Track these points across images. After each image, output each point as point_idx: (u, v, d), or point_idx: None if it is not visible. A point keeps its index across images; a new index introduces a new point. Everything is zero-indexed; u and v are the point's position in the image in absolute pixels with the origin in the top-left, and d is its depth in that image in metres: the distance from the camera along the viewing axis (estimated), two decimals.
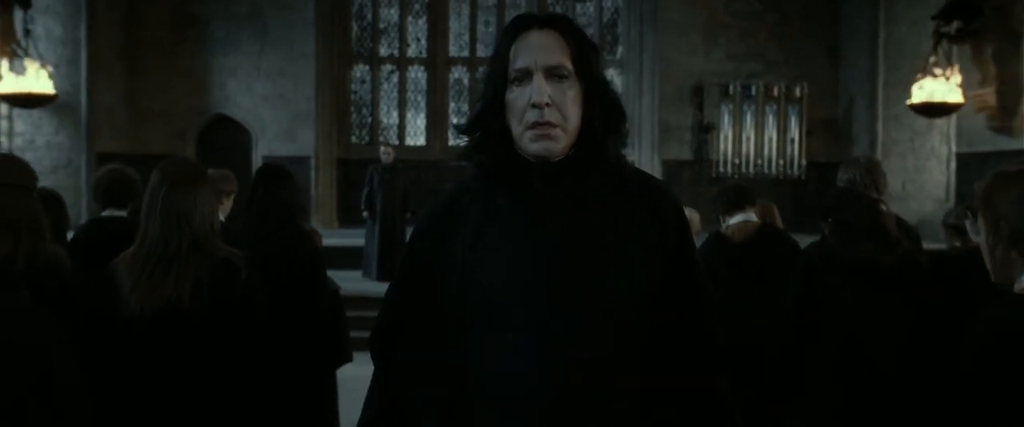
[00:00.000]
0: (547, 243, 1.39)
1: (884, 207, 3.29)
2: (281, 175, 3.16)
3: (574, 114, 1.41)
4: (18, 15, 8.13)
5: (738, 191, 3.34)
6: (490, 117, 1.44)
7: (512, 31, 1.44)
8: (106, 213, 3.54)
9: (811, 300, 2.43)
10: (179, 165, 2.28)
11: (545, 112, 1.37)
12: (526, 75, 1.40)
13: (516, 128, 1.41)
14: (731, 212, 3.27)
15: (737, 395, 1.50)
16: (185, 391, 2.16)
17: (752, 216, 3.24)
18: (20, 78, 7.73)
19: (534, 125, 1.38)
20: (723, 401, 1.46)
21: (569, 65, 1.40)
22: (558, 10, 11.66)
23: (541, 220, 1.40)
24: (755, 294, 2.89)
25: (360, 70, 12.20)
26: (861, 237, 2.39)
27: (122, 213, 3.57)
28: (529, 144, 1.40)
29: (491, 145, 1.44)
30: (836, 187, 2.94)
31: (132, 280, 2.14)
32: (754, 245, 3.13)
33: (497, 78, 1.43)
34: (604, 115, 1.44)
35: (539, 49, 1.40)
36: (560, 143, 1.40)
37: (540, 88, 1.37)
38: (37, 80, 7.77)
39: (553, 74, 1.39)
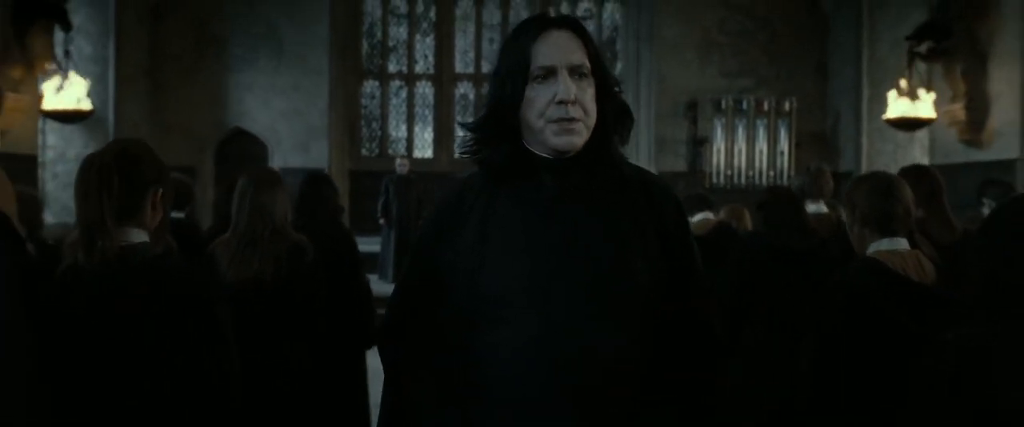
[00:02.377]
0: (551, 240, 1.43)
1: (826, 209, 4.03)
2: (324, 180, 3.90)
3: (593, 111, 1.46)
4: (58, 37, 8.89)
5: (698, 197, 4.14)
6: (506, 113, 1.47)
7: (532, 31, 1.47)
8: None
9: (745, 277, 3.14)
10: (261, 172, 3.02)
11: (571, 109, 1.42)
12: (550, 73, 1.43)
13: (537, 123, 1.45)
14: (692, 212, 4.04)
15: None
16: (266, 344, 2.88)
17: (710, 215, 4.00)
18: (61, 95, 8.49)
19: (559, 119, 1.42)
20: (715, 391, 1.51)
21: (588, 64, 1.46)
22: None
23: (544, 217, 1.45)
24: (712, 277, 3.61)
25: (370, 86, 12.93)
26: (783, 228, 3.11)
27: (180, 215, 4.31)
28: (552, 138, 1.44)
29: (501, 140, 1.49)
30: (767, 188, 3.68)
31: (227, 258, 2.86)
32: (711, 239, 3.86)
33: (515, 76, 1.46)
34: (615, 113, 1.50)
35: (562, 48, 1.44)
36: (582, 137, 1.45)
37: (567, 85, 1.41)
38: (77, 98, 8.52)
39: (575, 72, 1.44)
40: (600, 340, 1.39)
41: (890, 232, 2.18)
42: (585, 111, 1.44)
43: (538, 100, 1.44)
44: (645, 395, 1.42)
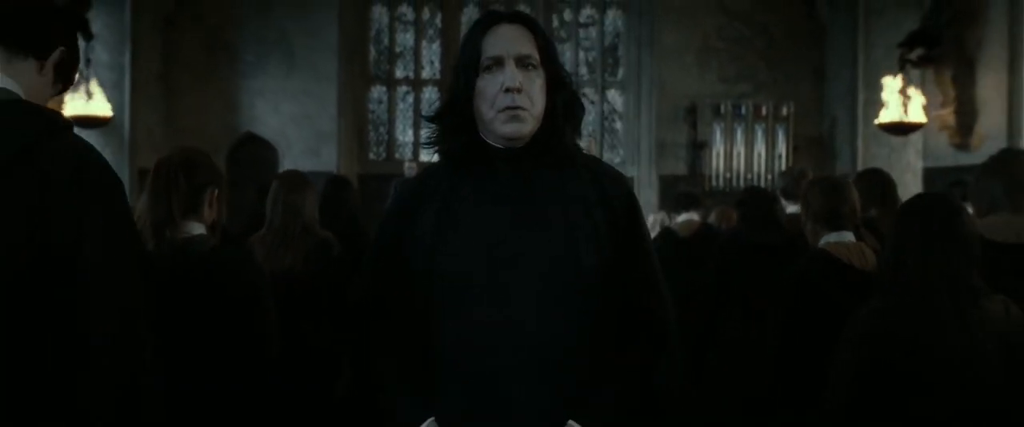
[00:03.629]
0: (505, 225, 1.52)
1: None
2: (345, 184, 4.30)
3: (540, 101, 1.54)
4: (81, 46, 9.31)
5: (688, 196, 4.51)
6: (460, 105, 1.56)
7: (483, 25, 1.56)
8: None
9: (724, 270, 3.52)
10: (292, 176, 3.42)
11: (516, 97, 1.49)
12: (498, 63, 1.51)
13: (488, 112, 1.53)
14: (680, 211, 4.42)
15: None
16: (296, 329, 3.26)
17: (695, 216, 4.38)
18: (82, 102, 8.91)
19: (506, 108, 1.50)
20: (662, 372, 1.60)
21: (536, 55, 1.54)
22: (562, 33, 12.82)
23: (500, 203, 1.54)
24: (693, 278, 3.98)
25: (377, 91, 13.27)
26: (759, 224, 3.49)
27: None
28: (501, 126, 1.52)
29: (459, 131, 1.58)
30: (746, 188, 4.06)
31: (264, 253, 3.25)
32: (694, 241, 4.24)
33: (468, 68, 1.54)
34: (565, 104, 1.58)
35: (510, 40, 1.52)
36: (528, 125, 1.52)
37: (512, 74, 1.50)
38: (98, 104, 8.95)
39: (522, 63, 1.52)
40: (550, 324, 1.48)
41: (838, 227, 2.57)
42: (531, 100, 1.52)
43: (488, 90, 1.52)
44: (594, 376, 1.51)
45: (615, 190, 1.60)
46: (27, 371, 1.43)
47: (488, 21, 1.57)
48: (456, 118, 1.58)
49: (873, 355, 1.89)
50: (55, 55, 1.68)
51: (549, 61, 1.56)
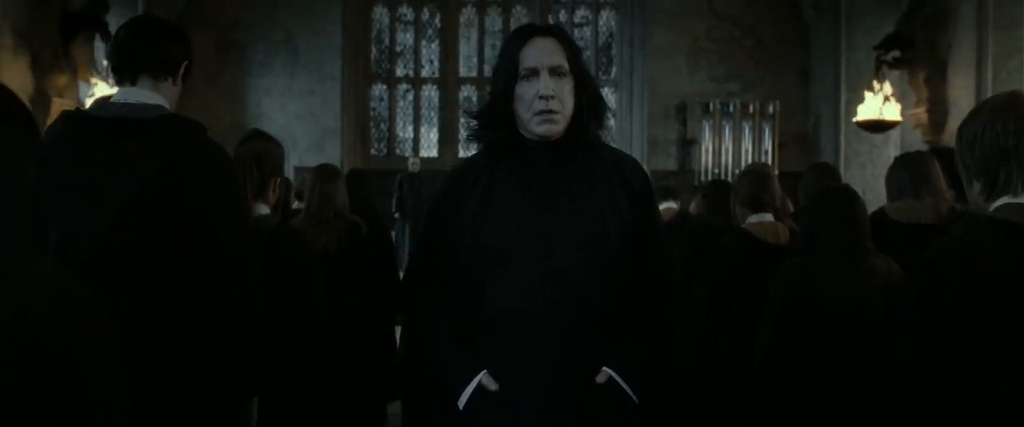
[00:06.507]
0: (539, 206, 1.73)
1: None
2: (364, 177, 4.99)
3: (569, 102, 1.76)
4: (99, 46, 9.95)
5: (665, 188, 5.21)
6: (500, 104, 1.78)
7: (521, 38, 1.79)
8: None
9: (693, 247, 4.18)
10: (326, 168, 4.10)
11: (550, 102, 1.72)
12: (534, 73, 1.73)
13: (525, 114, 1.75)
14: (659, 202, 5.11)
15: None
16: (336, 299, 3.92)
17: (673, 205, 5.08)
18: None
19: (541, 112, 1.72)
20: (671, 323, 1.87)
21: (566, 65, 1.76)
22: None
23: (536, 187, 1.75)
24: None
25: (379, 89, 13.83)
26: (720, 210, 4.15)
27: None
28: (537, 127, 1.75)
29: (498, 127, 1.80)
30: (709, 181, 4.75)
31: None
32: (672, 225, 4.92)
33: (507, 74, 1.76)
34: (589, 102, 1.80)
35: (544, 53, 1.75)
36: (560, 126, 1.76)
37: (546, 83, 1.72)
38: None
39: (555, 72, 1.74)
40: (581, 287, 1.71)
41: (759, 209, 3.26)
42: (562, 103, 1.76)
43: (525, 95, 1.75)
44: (617, 331, 1.74)
45: (633, 174, 1.87)
46: (172, 335, 1.83)
47: (525, 35, 1.80)
48: (497, 116, 1.82)
49: (794, 298, 2.60)
50: (182, 69, 2.25)
51: (576, 66, 1.80)
